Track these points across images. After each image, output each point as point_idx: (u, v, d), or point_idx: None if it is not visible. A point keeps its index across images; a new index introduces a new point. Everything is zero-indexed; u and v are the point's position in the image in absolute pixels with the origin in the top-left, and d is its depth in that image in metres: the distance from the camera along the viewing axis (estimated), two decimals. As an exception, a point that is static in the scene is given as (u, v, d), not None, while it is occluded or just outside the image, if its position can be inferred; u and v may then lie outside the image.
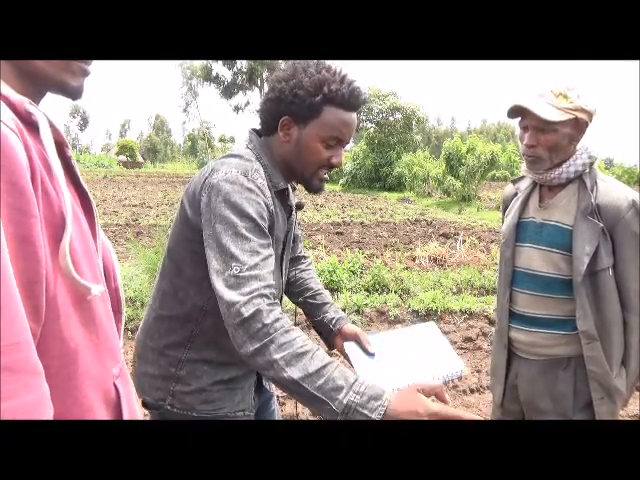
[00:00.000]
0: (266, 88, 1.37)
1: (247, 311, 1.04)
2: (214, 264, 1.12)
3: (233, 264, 1.09)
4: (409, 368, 1.35)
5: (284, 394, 3.18)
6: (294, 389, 1.00)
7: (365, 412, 0.96)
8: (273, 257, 1.17)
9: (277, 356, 1.00)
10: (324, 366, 1.00)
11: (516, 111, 1.61)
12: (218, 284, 1.09)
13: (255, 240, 1.13)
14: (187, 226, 1.26)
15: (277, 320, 1.04)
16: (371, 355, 1.41)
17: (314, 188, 1.36)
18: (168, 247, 1.35)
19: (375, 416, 0.95)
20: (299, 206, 1.49)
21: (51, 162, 0.67)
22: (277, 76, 1.31)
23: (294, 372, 0.99)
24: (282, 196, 1.35)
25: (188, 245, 1.27)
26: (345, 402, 0.96)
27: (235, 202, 1.15)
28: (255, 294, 1.06)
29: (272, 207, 1.25)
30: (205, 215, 1.18)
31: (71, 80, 0.75)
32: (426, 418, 0.96)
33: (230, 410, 1.33)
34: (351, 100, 1.28)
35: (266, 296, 1.07)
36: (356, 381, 1.00)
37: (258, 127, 1.39)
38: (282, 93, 1.27)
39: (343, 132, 1.30)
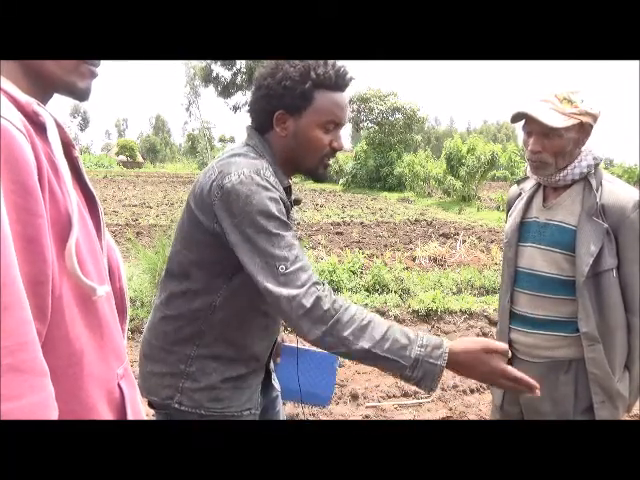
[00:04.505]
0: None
1: (308, 301, 1.11)
2: (256, 269, 1.15)
3: (277, 264, 1.14)
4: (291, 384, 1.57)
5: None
6: (366, 356, 1.12)
7: (432, 361, 1.10)
8: None
9: (346, 333, 1.11)
10: (387, 330, 1.12)
11: (520, 116, 1.60)
12: (270, 286, 1.14)
13: (286, 234, 1.18)
14: (198, 229, 1.26)
15: (335, 301, 1.14)
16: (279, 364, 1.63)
17: (321, 176, 1.38)
18: (175, 250, 1.34)
19: (441, 362, 1.10)
20: (297, 202, 1.49)
21: (58, 163, 0.67)
22: (261, 74, 1.30)
23: (364, 342, 1.10)
24: (285, 193, 1.35)
25: (199, 248, 1.27)
26: (413, 356, 1.10)
27: (258, 204, 1.17)
28: (309, 284, 1.13)
29: (286, 202, 1.26)
30: (227, 220, 1.19)
31: (79, 82, 0.75)
32: (487, 378, 1.14)
33: (237, 409, 1.33)
34: (338, 80, 1.30)
35: (317, 282, 1.15)
36: (417, 336, 1.13)
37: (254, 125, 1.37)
38: (270, 89, 1.27)
39: (338, 114, 1.31)
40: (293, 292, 1.12)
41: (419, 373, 1.10)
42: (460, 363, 1.12)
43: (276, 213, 1.18)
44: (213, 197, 1.21)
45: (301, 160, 1.34)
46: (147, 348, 1.37)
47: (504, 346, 1.15)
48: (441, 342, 1.13)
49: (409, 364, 1.10)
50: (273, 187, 1.21)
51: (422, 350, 1.10)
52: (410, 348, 1.10)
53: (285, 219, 1.20)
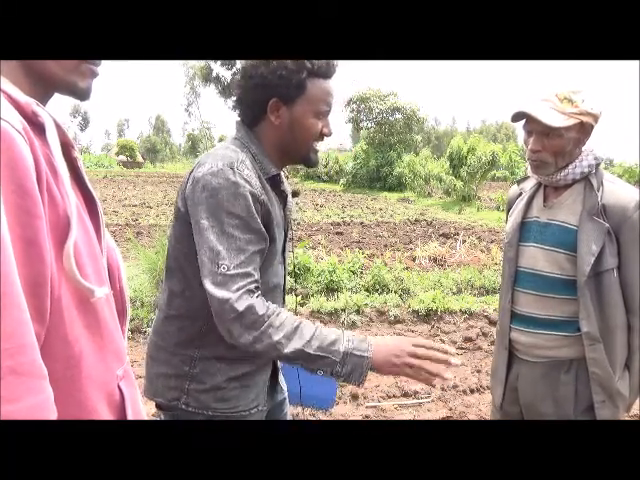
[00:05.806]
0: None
1: (241, 306, 1.14)
2: (203, 260, 1.18)
3: (220, 262, 1.16)
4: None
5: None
6: (298, 356, 1.16)
7: (359, 353, 1.16)
8: (261, 250, 1.23)
9: (278, 337, 1.15)
10: (315, 329, 1.19)
11: (520, 116, 1.60)
12: (207, 282, 1.17)
13: (241, 237, 1.18)
14: (182, 222, 1.28)
15: (268, 308, 1.17)
16: None
17: (313, 162, 1.40)
18: (171, 245, 1.35)
19: (368, 354, 1.16)
20: (295, 193, 1.48)
21: (57, 164, 0.67)
22: (251, 64, 1.29)
23: (297, 343, 1.16)
24: (274, 182, 1.35)
25: (186, 242, 1.28)
26: (342, 350, 1.16)
27: (221, 199, 1.18)
28: (243, 290, 1.16)
29: (263, 196, 1.25)
30: (191, 208, 1.22)
31: (80, 81, 0.76)
32: (401, 361, 1.17)
33: (244, 408, 1.33)
34: (329, 69, 1.31)
35: (252, 291, 1.18)
36: (343, 332, 1.21)
37: (243, 118, 1.38)
38: (264, 78, 1.26)
39: (329, 101, 1.34)
40: (226, 295, 1.14)
41: (348, 367, 1.16)
42: (384, 354, 1.17)
43: (237, 211, 1.18)
44: (187, 186, 1.24)
45: (294, 147, 1.35)
46: (153, 349, 1.37)
47: (424, 341, 1.22)
48: (365, 337, 1.20)
49: (339, 359, 1.15)
50: (245, 181, 1.21)
51: (349, 344, 1.17)
52: (339, 343, 1.17)
53: (248, 219, 1.20)
